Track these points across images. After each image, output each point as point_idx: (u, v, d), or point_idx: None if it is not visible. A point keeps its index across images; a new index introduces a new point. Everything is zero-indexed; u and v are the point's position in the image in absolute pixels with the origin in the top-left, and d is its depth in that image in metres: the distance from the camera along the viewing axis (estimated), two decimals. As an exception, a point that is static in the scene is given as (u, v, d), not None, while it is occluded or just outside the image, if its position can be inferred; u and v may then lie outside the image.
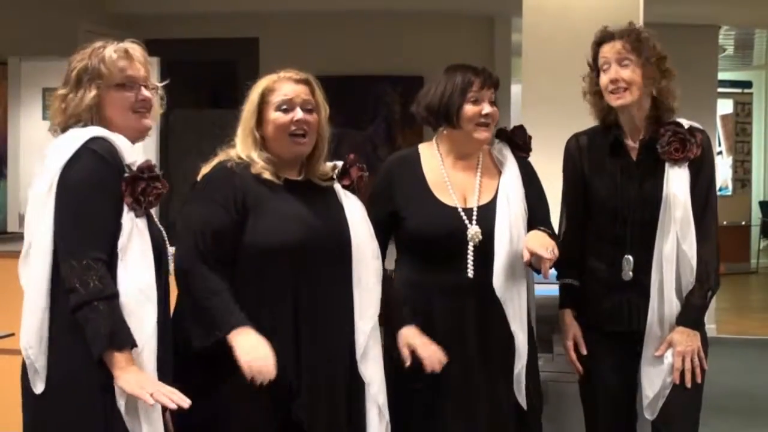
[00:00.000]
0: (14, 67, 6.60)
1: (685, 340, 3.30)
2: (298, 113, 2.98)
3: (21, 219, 6.41)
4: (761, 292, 13.69)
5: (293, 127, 2.98)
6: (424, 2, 8.09)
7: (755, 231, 14.77)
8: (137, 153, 2.70)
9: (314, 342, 2.93)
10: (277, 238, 2.91)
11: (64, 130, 2.71)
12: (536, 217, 3.38)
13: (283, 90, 3.00)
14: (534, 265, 3.24)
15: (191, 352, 2.85)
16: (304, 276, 2.93)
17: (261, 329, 2.87)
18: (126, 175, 2.62)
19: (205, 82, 9.47)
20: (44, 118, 6.39)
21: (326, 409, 2.95)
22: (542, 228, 3.32)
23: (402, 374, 3.19)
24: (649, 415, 3.34)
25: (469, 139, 3.34)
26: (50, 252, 2.57)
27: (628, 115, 3.37)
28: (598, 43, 3.38)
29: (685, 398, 3.32)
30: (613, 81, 3.30)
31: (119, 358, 2.52)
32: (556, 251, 3.17)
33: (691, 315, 3.32)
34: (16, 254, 2.67)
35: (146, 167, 2.65)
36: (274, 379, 2.82)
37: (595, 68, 3.40)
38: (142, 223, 2.63)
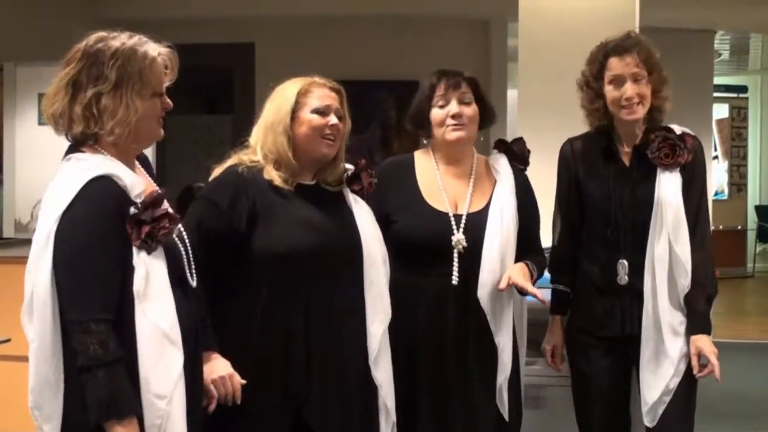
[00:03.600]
0: (9, 73, 6.59)
1: (709, 345, 3.31)
2: (333, 119, 3.02)
3: (17, 225, 6.41)
4: (757, 297, 13.69)
5: (327, 131, 3.01)
6: (420, 7, 8.10)
7: (751, 235, 14.78)
8: (141, 184, 2.47)
9: (326, 346, 2.93)
10: (289, 244, 2.91)
11: (79, 139, 2.49)
12: (526, 231, 3.38)
13: (319, 94, 3.03)
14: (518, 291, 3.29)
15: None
16: (316, 281, 2.94)
17: (273, 333, 2.89)
18: (131, 215, 2.41)
19: (201, 87, 9.47)
20: (40, 123, 6.38)
21: (339, 412, 2.96)
22: (526, 261, 3.32)
23: None
24: (649, 422, 3.34)
25: (446, 143, 3.35)
26: (51, 306, 2.37)
27: (629, 125, 3.39)
28: (606, 55, 3.37)
29: (678, 405, 3.33)
30: (629, 98, 3.31)
31: (118, 430, 2.34)
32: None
33: (703, 322, 3.33)
34: (11, 260, 2.65)
35: (151, 203, 2.44)
36: (285, 382, 2.86)
37: (600, 78, 3.38)
38: (157, 262, 2.44)
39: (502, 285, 3.20)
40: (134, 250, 2.42)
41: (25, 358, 2.56)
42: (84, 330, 2.34)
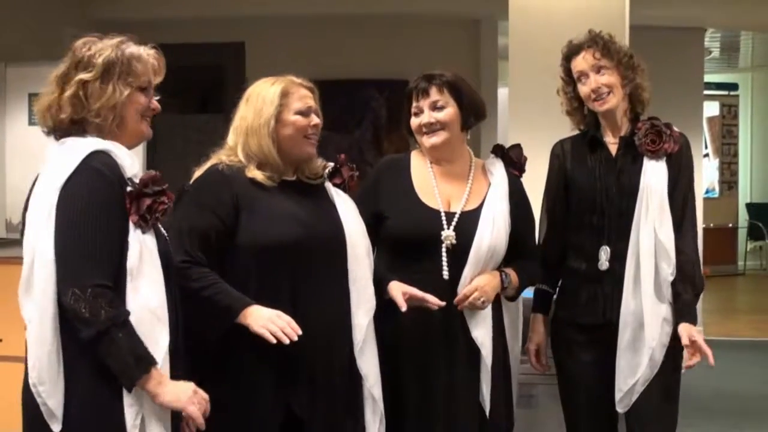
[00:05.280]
0: (-1, 73, 6.58)
1: (697, 332, 3.31)
2: (315, 119, 3.10)
3: (8, 225, 6.38)
4: (748, 294, 13.73)
5: (310, 131, 3.08)
6: (410, 6, 8.10)
7: (742, 233, 14.83)
8: (137, 164, 2.55)
9: (312, 338, 2.94)
10: (273, 236, 2.95)
11: (66, 129, 2.54)
12: (519, 237, 3.39)
13: (300, 94, 3.10)
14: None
15: (193, 351, 2.83)
16: (301, 273, 2.97)
17: None
18: (130, 190, 2.47)
19: (192, 87, 9.45)
20: (30, 123, 6.36)
21: (325, 402, 2.99)
22: (503, 270, 3.33)
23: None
24: (621, 408, 3.38)
25: (426, 149, 3.39)
26: (54, 279, 2.40)
27: (610, 115, 3.45)
28: (568, 58, 3.48)
29: (658, 394, 3.34)
30: (595, 90, 3.40)
31: (150, 380, 2.42)
32: (486, 303, 3.24)
33: (689, 311, 3.35)
34: (2, 260, 2.64)
35: (150, 180, 2.50)
36: (276, 375, 2.87)
37: (570, 82, 3.49)
38: (150, 240, 2.50)
39: (458, 299, 3.24)
40: (131, 226, 2.46)
41: (17, 359, 2.56)
42: (92, 295, 2.37)
